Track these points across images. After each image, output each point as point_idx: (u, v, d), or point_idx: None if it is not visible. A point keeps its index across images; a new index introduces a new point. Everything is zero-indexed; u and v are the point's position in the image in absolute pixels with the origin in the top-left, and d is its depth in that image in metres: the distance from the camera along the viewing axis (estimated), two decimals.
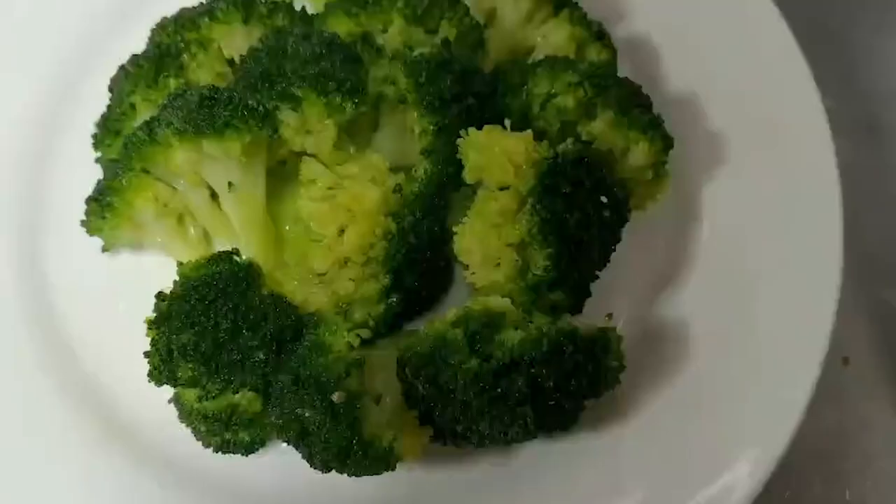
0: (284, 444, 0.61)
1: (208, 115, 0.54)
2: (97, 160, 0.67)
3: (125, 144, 0.60)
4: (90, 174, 0.67)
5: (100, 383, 0.65)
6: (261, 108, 0.55)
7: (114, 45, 0.72)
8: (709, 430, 0.61)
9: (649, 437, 0.61)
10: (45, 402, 0.64)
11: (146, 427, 0.63)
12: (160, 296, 0.55)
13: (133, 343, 0.61)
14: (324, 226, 0.57)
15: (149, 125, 0.59)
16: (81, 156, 0.69)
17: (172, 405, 0.60)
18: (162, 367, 0.54)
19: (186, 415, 0.58)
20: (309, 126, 0.58)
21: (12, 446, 0.62)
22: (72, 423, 0.63)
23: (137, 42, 0.69)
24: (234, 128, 0.54)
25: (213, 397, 0.56)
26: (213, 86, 0.58)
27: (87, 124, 0.69)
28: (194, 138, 0.54)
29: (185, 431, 0.61)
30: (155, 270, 0.67)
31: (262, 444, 0.60)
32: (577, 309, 0.61)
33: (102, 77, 0.70)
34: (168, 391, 0.59)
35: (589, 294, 0.61)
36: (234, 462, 0.61)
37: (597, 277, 0.61)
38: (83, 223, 0.64)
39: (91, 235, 0.65)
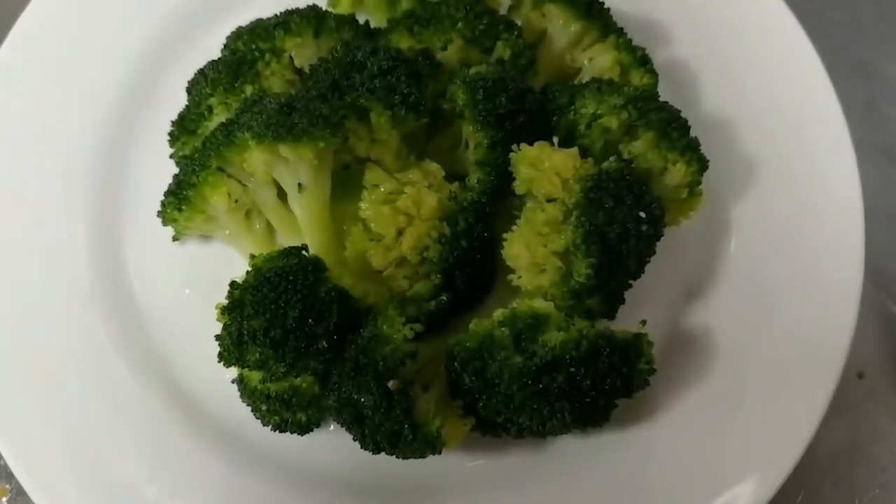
0: (332, 427, 0.67)
1: (286, 122, 0.59)
2: (171, 156, 0.73)
3: (204, 144, 0.66)
4: (162, 168, 0.73)
5: (167, 358, 0.70)
6: (334, 117, 0.60)
7: (188, 50, 0.78)
8: (728, 433, 0.65)
9: (672, 437, 0.66)
10: (115, 371, 0.68)
11: (207, 400, 0.68)
12: (233, 285, 0.59)
13: (197, 324, 0.69)
14: (384, 227, 0.62)
15: (227, 127, 0.64)
16: (154, 150, 0.75)
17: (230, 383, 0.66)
18: (232, 350, 0.59)
19: (249, 394, 0.63)
20: (375, 135, 0.63)
21: (83, 412, 0.67)
22: (139, 391, 0.68)
23: (210, 47, 0.74)
24: (309, 135, 0.59)
25: (276, 380, 0.61)
26: (290, 94, 0.63)
27: (160, 121, 0.75)
28: (272, 143, 0.59)
29: (241, 407, 0.66)
30: (216, 260, 0.73)
31: (318, 424, 0.64)
32: (611, 315, 0.66)
33: (176, 78, 0.76)
34: (227, 370, 0.64)
35: (623, 301, 0.66)
36: (285, 440, 0.67)
37: (630, 286, 0.66)
38: (159, 213, 0.70)
39: (165, 225, 0.70)
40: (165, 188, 0.71)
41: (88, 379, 0.68)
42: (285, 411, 0.63)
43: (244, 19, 0.74)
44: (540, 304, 0.60)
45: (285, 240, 0.69)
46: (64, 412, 0.66)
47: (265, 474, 0.67)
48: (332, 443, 0.67)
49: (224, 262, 0.72)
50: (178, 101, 0.73)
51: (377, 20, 0.77)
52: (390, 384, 0.57)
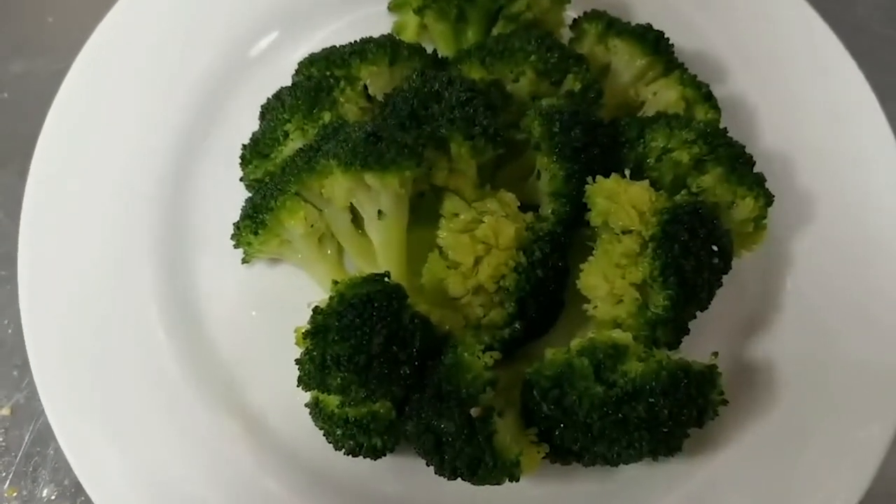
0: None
1: (374, 150, 0.60)
2: (241, 179, 0.74)
3: (283, 169, 0.66)
4: (224, 190, 0.75)
5: (233, 379, 0.70)
6: (418, 146, 0.61)
7: (255, 76, 0.80)
8: (792, 463, 0.66)
9: (737, 466, 0.67)
10: (180, 387, 0.69)
11: (273, 421, 0.69)
12: (316, 310, 0.60)
13: (265, 346, 0.70)
14: (462, 256, 0.63)
15: (307, 153, 0.65)
16: (214, 173, 0.76)
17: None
18: (314, 374, 0.59)
19: (325, 419, 0.63)
20: (454, 165, 0.64)
21: (149, 433, 0.67)
22: (205, 412, 0.68)
23: (280, 74, 0.76)
24: (397, 164, 0.60)
25: (355, 405, 0.62)
26: (372, 123, 0.64)
27: (222, 145, 0.77)
28: (359, 171, 0.60)
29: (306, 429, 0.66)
30: (282, 283, 0.74)
31: (392, 449, 0.65)
32: (675, 345, 0.67)
33: (239, 102, 0.78)
34: (295, 392, 0.65)
35: (688, 331, 0.67)
36: (348, 463, 0.66)
37: (695, 317, 0.67)
38: (233, 236, 0.71)
39: (238, 247, 0.71)
40: (226, 210, 0.72)
41: (154, 400, 0.68)
42: (361, 436, 0.63)
43: (306, 49, 0.77)
44: (619, 335, 0.61)
45: (356, 265, 0.69)
46: (130, 434, 0.66)
47: (329, 497, 0.67)
48: (395, 467, 0.68)
49: (290, 284, 0.73)
50: (239, 125, 0.75)
51: (443, 49, 0.78)
52: (472, 411, 0.58)
